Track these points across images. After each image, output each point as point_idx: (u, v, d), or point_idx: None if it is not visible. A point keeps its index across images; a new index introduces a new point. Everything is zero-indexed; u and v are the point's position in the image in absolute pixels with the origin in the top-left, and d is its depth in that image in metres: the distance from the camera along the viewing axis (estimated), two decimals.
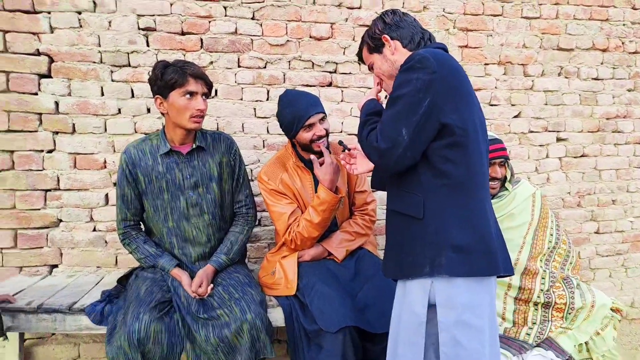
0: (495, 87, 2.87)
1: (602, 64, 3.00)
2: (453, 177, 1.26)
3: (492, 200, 1.98)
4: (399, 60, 1.39)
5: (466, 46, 2.81)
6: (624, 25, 3.00)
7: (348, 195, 2.19)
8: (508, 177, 2.03)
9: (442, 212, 1.27)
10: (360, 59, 1.61)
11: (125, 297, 1.87)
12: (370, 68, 1.56)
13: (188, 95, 1.79)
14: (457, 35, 2.78)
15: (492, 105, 2.87)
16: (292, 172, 2.09)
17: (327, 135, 2.04)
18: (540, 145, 2.95)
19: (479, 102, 1.39)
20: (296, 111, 1.96)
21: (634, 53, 3.04)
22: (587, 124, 3.00)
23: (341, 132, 2.67)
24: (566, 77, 2.95)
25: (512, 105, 2.90)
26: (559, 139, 2.98)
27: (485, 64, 2.85)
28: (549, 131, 2.96)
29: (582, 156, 3.01)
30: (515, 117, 2.91)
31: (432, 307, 1.29)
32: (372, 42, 1.49)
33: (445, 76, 1.23)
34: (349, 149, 1.70)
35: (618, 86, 3.03)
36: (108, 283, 2.21)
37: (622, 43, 3.01)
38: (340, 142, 1.86)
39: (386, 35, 1.44)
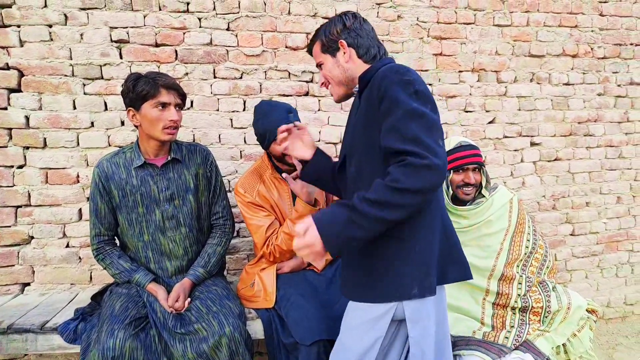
0: (470, 94, 2.91)
1: (572, 69, 3.07)
2: None
3: (469, 207, 2.01)
4: (351, 70, 1.41)
5: (440, 54, 2.85)
6: (592, 31, 3.08)
7: (326, 205, 2.19)
8: (484, 184, 2.05)
9: (421, 230, 1.26)
10: (310, 52, 1.56)
11: (100, 314, 1.83)
12: (318, 66, 1.51)
13: (160, 107, 1.78)
14: (431, 44, 2.82)
15: (467, 111, 2.92)
16: (269, 183, 2.07)
17: None
18: (515, 150, 3.00)
19: None
20: (268, 123, 1.95)
21: (602, 58, 3.12)
22: (559, 129, 3.06)
23: (319, 140, 2.68)
24: (538, 83, 3.02)
25: (487, 111, 2.95)
26: (532, 144, 3.04)
27: (460, 71, 2.89)
28: (523, 136, 3.01)
29: (555, 160, 3.07)
30: (490, 122, 2.96)
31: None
32: (327, 42, 1.44)
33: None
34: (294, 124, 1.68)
35: (588, 91, 3.11)
36: (82, 300, 2.16)
37: (591, 49, 3.09)
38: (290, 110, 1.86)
39: (343, 41, 1.41)
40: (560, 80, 3.05)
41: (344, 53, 1.41)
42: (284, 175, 1.98)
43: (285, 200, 2.08)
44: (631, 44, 3.15)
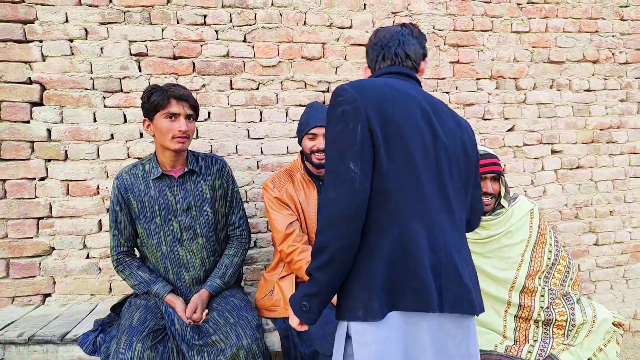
0: (488, 102, 2.88)
1: (593, 75, 3.01)
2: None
3: (489, 217, 1.98)
4: None
5: (457, 62, 2.82)
6: (613, 36, 3.02)
7: None
8: (502, 193, 2.01)
9: (365, 254, 1.18)
10: None
11: (119, 325, 1.84)
12: None
13: (170, 117, 1.81)
14: (448, 52, 2.80)
15: (485, 119, 2.88)
16: (298, 184, 2.09)
17: None
18: (535, 158, 2.95)
19: (427, 127, 1.24)
20: (307, 118, 2.01)
21: (624, 64, 3.05)
22: (581, 136, 3.00)
23: None
24: (558, 90, 2.96)
25: (506, 119, 2.90)
26: (553, 151, 2.98)
27: (477, 79, 2.86)
28: (544, 144, 2.95)
29: (577, 168, 3.00)
30: (509, 130, 2.92)
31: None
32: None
33: (366, 103, 1.16)
34: None
35: (610, 97, 3.04)
36: (102, 311, 2.18)
37: (613, 54, 3.03)
38: None
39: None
40: (581, 86, 2.99)
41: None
42: None
43: (311, 203, 2.08)
44: None
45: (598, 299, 2.97)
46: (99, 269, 2.42)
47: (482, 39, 2.85)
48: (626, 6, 3.03)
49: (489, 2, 2.83)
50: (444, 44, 2.79)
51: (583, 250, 3.02)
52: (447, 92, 2.81)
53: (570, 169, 3.00)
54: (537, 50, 2.92)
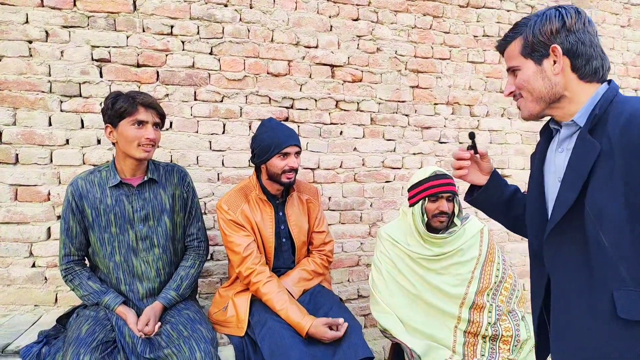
0: (445, 126, 3.01)
1: None
2: None
3: (443, 235, 2.05)
4: (560, 85, 1.12)
5: (417, 86, 2.95)
6: None
7: (307, 234, 2.20)
8: (456, 212, 2.10)
9: None
10: (501, 50, 1.26)
11: (65, 337, 1.76)
12: (510, 70, 1.23)
13: (137, 124, 1.78)
14: (408, 77, 2.92)
15: (441, 142, 3.01)
16: (254, 204, 2.06)
17: (296, 172, 2.05)
18: None
19: None
20: (276, 137, 1.96)
21: None
22: (528, 162, 3.16)
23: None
24: (509, 118, 3.15)
25: (460, 143, 3.04)
26: (504, 176, 3.13)
27: (435, 104, 2.99)
28: (495, 168, 3.10)
29: (524, 192, 3.17)
30: None
31: None
32: (533, 43, 1.13)
33: None
34: (477, 151, 1.46)
35: None
36: (46, 322, 2.08)
37: None
38: (471, 135, 1.50)
39: (557, 46, 1.10)
40: None
41: (554, 62, 1.11)
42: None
43: (267, 223, 2.07)
44: None
45: None
46: (45, 278, 2.31)
47: (440, 66, 2.99)
48: None
49: (448, 33, 2.99)
50: (405, 69, 2.92)
51: (528, 270, 3.17)
52: (406, 115, 2.92)
53: None
54: (490, 80, 3.10)
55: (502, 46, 1.24)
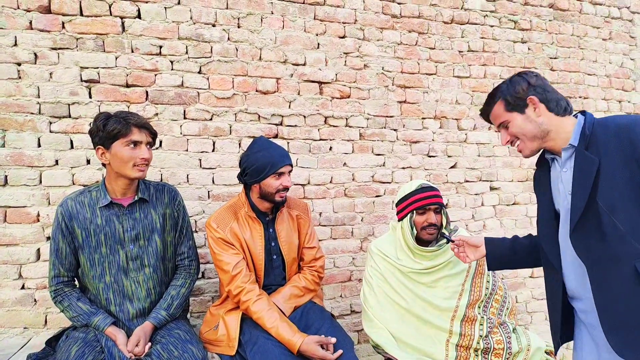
0: (433, 140, 3.05)
1: None
2: None
3: (432, 248, 2.07)
4: (545, 123, 1.45)
5: (405, 101, 2.99)
6: None
7: (297, 250, 2.20)
8: (444, 224, 2.12)
9: None
10: (485, 115, 1.62)
11: None
12: (500, 126, 1.56)
13: (132, 145, 1.79)
14: (396, 92, 2.96)
15: (430, 156, 3.04)
16: (243, 222, 2.06)
17: (288, 190, 2.06)
18: (476, 194, 3.13)
19: None
20: (271, 157, 1.97)
21: None
22: (516, 174, 3.22)
23: None
24: (496, 131, 3.19)
25: (449, 156, 3.08)
26: (492, 188, 3.18)
27: (423, 118, 3.03)
28: (483, 181, 3.15)
29: (513, 204, 3.21)
30: (452, 167, 3.09)
31: None
32: (513, 101, 1.48)
33: None
34: (452, 241, 1.86)
35: None
36: (36, 345, 2.06)
37: None
38: (443, 235, 1.94)
39: (533, 97, 1.45)
40: None
41: (535, 109, 1.46)
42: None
43: (257, 240, 2.07)
44: (580, 97, 3.39)
45: (535, 329, 3.12)
46: (35, 300, 2.29)
47: (427, 81, 3.04)
48: (555, 58, 3.34)
49: (434, 49, 3.05)
50: (392, 85, 2.96)
51: (520, 282, 3.19)
52: (395, 130, 2.95)
53: (507, 205, 3.20)
54: (476, 94, 3.15)
55: (486, 112, 1.60)
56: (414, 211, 2.06)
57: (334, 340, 1.84)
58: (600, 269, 1.38)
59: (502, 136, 1.57)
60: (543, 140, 1.49)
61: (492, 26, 3.19)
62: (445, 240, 2.05)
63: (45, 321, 2.31)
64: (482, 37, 3.16)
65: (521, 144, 1.52)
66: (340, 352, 1.83)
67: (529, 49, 3.27)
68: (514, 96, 1.48)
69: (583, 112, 1.48)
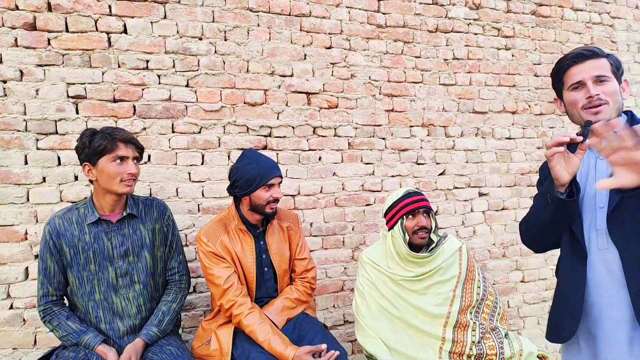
0: (421, 147, 3.07)
1: (513, 124, 3.31)
2: None
3: (423, 255, 2.07)
4: (623, 106, 1.49)
5: (392, 110, 3.01)
6: (528, 90, 3.36)
7: (288, 262, 2.20)
8: (433, 228, 2.13)
9: None
10: (593, 56, 1.49)
11: None
12: (599, 79, 1.46)
13: (119, 160, 1.78)
14: (383, 101, 2.99)
15: (419, 164, 3.06)
16: (234, 235, 2.06)
17: (278, 201, 2.06)
18: (465, 200, 3.15)
19: None
20: (261, 169, 1.97)
21: (539, 115, 3.39)
22: (504, 180, 3.26)
23: None
24: (483, 137, 3.23)
25: (437, 163, 3.11)
26: (481, 194, 3.20)
27: (410, 126, 3.06)
28: (472, 187, 3.17)
29: (502, 209, 3.24)
30: (441, 174, 3.11)
31: None
32: (618, 69, 1.49)
33: None
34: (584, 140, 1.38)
35: (529, 144, 3.35)
36: None
37: (529, 106, 3.36)
38: (588, 124, 1.37)
39: (627, 80, 1.53)
40: (503, 134, 3.27)
41: (624, 90, 1.50)
42: None
43: (248, 253, 2.06)
44: None
45: (527, 333, 3.14)
46: (24, 320, 2.26)
47: (413, 89, 3.07)
48: (538, 64, 3.39)
49: (419, 57, 3.08)
50: (379, 94, 2.98)
51: (511, 287, 3.21)
52: (383, 138, 2.98)
53: (496, 210, 3.23)
54: (463, 101, 3.18)
55: (595, 54, 1.50)
56: (404, 216, 2.07)
57: (324, 346, 1.83)
58: (636, 252, 1.36)
59: (591, 88, 1.46)
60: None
61: (476, 34, 3.23)
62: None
63: (35, 341, 2.28)
64: (466, 45, 3.20)
65: (607, 107, 1.45)
66: (334, 352, 1.83)
67: (512, 55, 3.32)
68: (618, 67, 1.49)
69: (626, 112, 1.52)
